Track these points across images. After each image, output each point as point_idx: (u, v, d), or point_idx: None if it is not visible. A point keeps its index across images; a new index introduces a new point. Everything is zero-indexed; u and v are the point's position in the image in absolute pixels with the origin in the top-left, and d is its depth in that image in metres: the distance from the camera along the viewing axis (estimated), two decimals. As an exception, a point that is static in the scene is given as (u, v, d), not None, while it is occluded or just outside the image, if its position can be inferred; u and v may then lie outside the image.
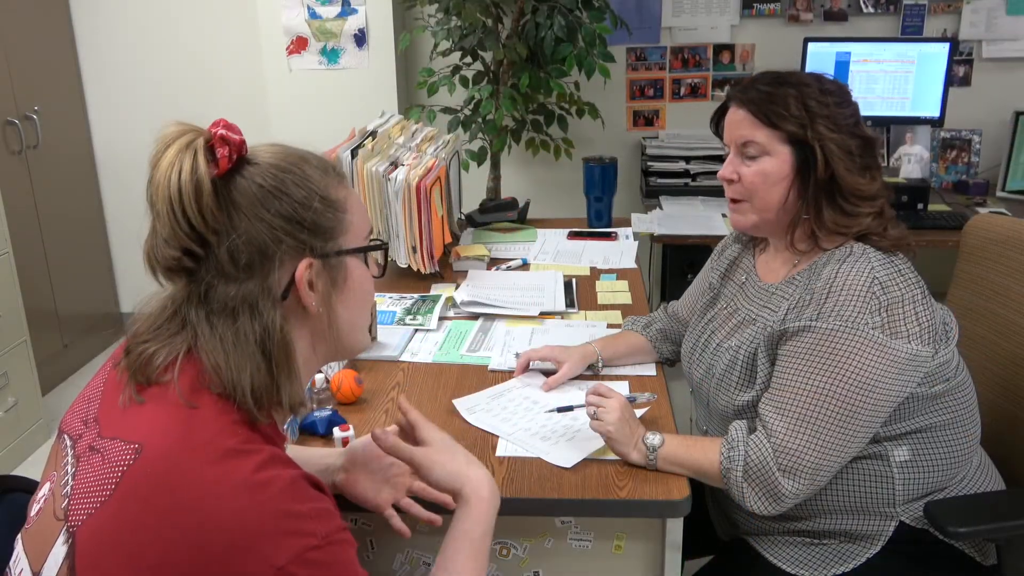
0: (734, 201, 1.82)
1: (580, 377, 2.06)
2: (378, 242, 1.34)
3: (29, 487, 1.40)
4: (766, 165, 1.73)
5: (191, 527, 1.02)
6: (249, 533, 1.03)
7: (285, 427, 1.72)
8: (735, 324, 1.86)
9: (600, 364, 2.09)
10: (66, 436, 1.22)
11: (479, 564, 1.34)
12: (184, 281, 1.17)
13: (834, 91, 1.72)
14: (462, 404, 1.94)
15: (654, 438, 1.68)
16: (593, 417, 1.71)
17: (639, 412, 1.82)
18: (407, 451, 1.45)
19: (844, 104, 1.72)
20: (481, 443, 1.78)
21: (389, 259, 2.69)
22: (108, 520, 1.06)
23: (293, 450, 1.53)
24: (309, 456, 1.58)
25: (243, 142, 1.16)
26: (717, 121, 1.88)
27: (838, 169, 1.67)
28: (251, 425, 1.14)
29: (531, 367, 2.09)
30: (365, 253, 1.30)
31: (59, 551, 1.09)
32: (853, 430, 1.62)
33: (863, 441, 1.65)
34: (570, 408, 1.82)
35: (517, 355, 2.12)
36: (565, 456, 1.71)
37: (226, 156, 1.13)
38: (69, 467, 1.16)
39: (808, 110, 1.68)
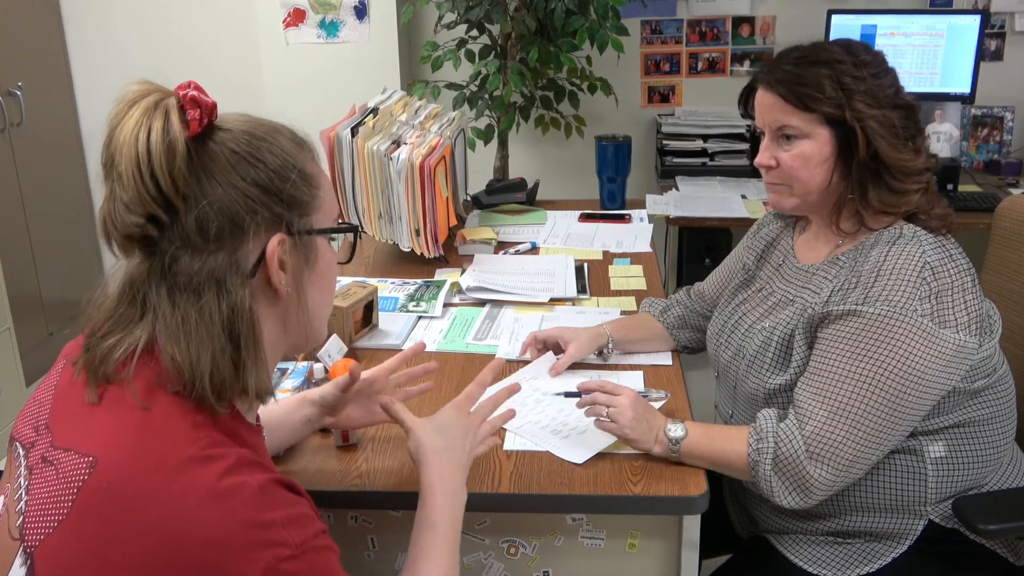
0: (772, 183, 1.80)
1: (592, 367, 2.06)
2: (349, 225, 1.33)
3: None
4: (805, 148, 1.71)
5: (156, 545, 1.00)
6: (217, 547, 1.01)
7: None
8: (770, 306, 1.86)
9: (610, 346, 2.08)
10: (18, 444, 1.19)
11: (432, 551, 1.35)
12: (142, 256, 1.14)
13: (869, 62, 1.70)
14: None
15: (676, 430, 1.66)
16: (605, 418, 1.69)
17: None
18: (406, 419, 1.50)
19: (881, 74, 1.70)
20: (488, 436, 1.78)
21: (391, 242, 2.69)
22: (67, 541, 1.04)
23: (264, 411, 1.53)
24: (283, 415, 1.62)
25: (215, 105, 1.14)
26: (745, 101, 1.84)
27: (881, 147, 1.66)
28: (214, 425, 1.11)
29: (539, 353, 2.09)
30: (335, 235, 1.28)
31: (18, 574, 1.07)
32: (894, 423, 1.60)
33: (902, 435, 1.64)
34: (578, 395, 1.80)
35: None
36: (576, 452, 1.71)
37: (197, 119, 1.11)
38: (22, 480, 1.13)
39: (844, 88, 1.66)
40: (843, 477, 1.62)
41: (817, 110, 1.68)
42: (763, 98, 1.76)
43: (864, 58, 1.70)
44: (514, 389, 1.62)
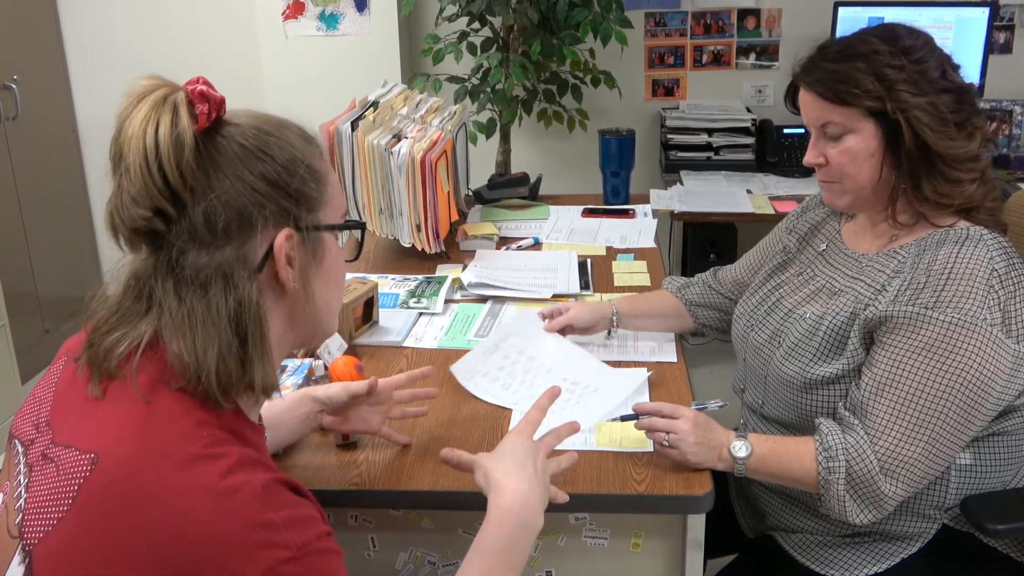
0: (825, 181, 1.77)
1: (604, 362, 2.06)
2: (357, 222, 1.33)
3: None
4: (851, 144, 1.68)
5: (155, 543, 1.00)
6: (217, 547, 1.00)
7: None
8: (811, 291, 1.84)
9: (615, 320, 2.10)
10: (17, 442, 1.19)
11: None
12: (148, 250, 1.14)
13: (910, 47, 1.65)
14: (459, 368, 1.96)
15: (740, 448, 1.64)
16: (666, 445, 1.64)
17: None
18: (467, 458, 1.46)
19: (927, 57, 1.65)
20: (491, 434, 1.78)
21: (392, 238, 2.69)
22: (67, 538, 1.03)
23: (265, 407, 1.50)
24: (282, 411, 1.63)
25: (223, 100, 1.14)
26: (792, 100, 1.81)
27: (928, 136, 1.61)
28: (217, 423, 1.11)
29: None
30: (342, 232, 1.28)
31: (16, 572, 1.06)
32: (963, 435, 1.59)
33: (964, 446, 1.63)
34: (634, 417, 1.71)
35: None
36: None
37: (205, 113, 1.11)
38: (22, 477, 1.13)
39: (883, 80, 1.62)
40: (913, 489, 1.61)
41: (857, 105, 1.64)
42: (804, 97, 1.73)
43: (905, 44, 1.65)
44: (555, 393, 1.58)
